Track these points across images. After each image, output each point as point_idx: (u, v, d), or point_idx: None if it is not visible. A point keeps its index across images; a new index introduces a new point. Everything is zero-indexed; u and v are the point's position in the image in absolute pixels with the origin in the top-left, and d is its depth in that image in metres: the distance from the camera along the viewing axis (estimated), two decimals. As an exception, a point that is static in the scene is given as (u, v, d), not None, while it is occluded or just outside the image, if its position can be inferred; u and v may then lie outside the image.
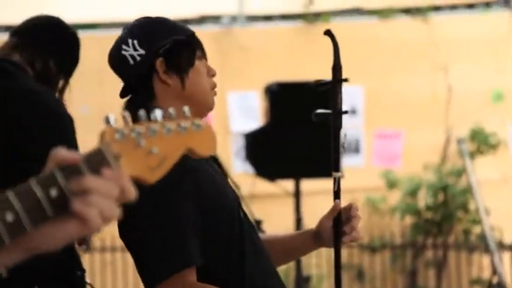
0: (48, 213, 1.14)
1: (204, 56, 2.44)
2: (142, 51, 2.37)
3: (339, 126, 2.46)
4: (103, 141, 1.18)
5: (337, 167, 2.45)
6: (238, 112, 8.02)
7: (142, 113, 1.23)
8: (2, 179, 2.30)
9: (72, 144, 2.73)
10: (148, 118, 1.23)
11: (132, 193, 1.19)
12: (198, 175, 2.26)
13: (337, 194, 2.44)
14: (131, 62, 2.37)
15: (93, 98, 7.74)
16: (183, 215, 2.25)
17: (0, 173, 2.31)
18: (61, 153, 1.19)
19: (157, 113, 1.23)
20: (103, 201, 1.16)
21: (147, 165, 1.20)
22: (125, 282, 7.72)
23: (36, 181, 1.14)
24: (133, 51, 2.37)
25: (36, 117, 2.68)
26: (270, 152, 5.82)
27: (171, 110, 1.24)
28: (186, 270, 2.24)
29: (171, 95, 2.38)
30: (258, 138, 5.98)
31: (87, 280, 2.75)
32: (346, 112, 2.47)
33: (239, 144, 6.66)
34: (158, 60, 2.37)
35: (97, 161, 1.17)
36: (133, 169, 1.19)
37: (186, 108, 1.26)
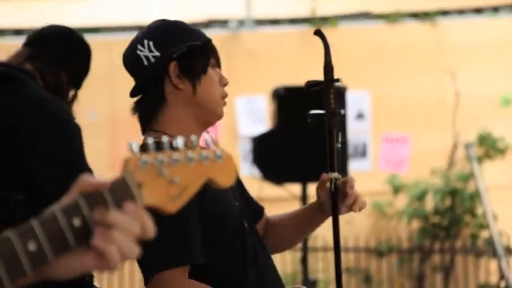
0: (71, 243, 1.13)
1: (218, 64, 2.44)
2: (157, 53, 2.37)
3: (334, 126, 2.45)
4: (126, 169, 1.18)
5: (332, 168, 2.44)
6: (246, 116, 8.03)
7: (165, 139, 1.21)
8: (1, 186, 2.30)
9: (79, 153, 2.73)
10: (171, 146, 1.22)
11: (151, 231, 1.19)
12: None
13: (334, 195, 2.44)
14: (145, 62, 2.37)
15: (101, 104, 7.75)
16: (186, 214, 2.24)
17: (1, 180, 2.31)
18: (86, 179, 1.18)
19: (179, 141, 1.22)
20: (124, 239, 1.16)
21: (168, 195, 1.20)
22: (132, 287, 7.73)
23: (60, 209, 1.13)
24: (148, 52, 2.37)
25: (43, 125, 2.69)
26: (277, 155, 5.81)
27: (193, 138, 1.24)
28: (182, 268, 2.23)
29: (182, 100, 2.37)
30: (265, 142, 5.97)
31: (96, 285, 2.74)
32: (339, 112, 2.47)
33: (246, 148, 6.66)
34: (172, 63, 2.36)
35: (121, 189, 1.16)
36: (154, 198, 1.19)
37: (208, 137, 1.25)
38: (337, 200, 2.43)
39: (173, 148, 1.22)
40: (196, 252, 2.25)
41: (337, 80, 2.47)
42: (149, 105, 2.39)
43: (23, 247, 1.10)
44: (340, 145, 2.47)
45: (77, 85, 2.96)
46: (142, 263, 2.31)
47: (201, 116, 2.38)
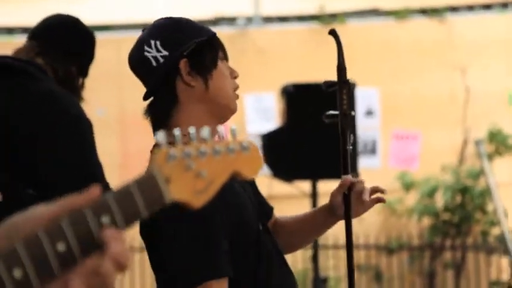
0: (98, 242, 1.10)
1: (225, 57, 2.39)
2: (165, 53, 2.31)
3: (347, 127, 2.43)
4: (154, 164, 1.15)
5: (346, 170, 2.42)
6: (254, 113, 8.01)
7: (192, 131, 1.18)
8: (11, 183, 2.28)
9: (91, 148, 2.72)
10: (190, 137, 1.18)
11: (127, 263, 1.13)
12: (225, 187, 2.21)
13: (347, 198, 2.42)
14: (154, 63, 2.32)
15: (109, 100, 7.75)
16: (213, 225, 2.21)
17: (10, 178, 2.29)
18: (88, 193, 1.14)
19: (205, 132, 1.19)
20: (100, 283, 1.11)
21: (195, 189, 1.17)
22: (143, 282, 7.73)
23: (89, 208, 1.11)
24: (156, 52, 2.32)
25: (53, 121, 2.68)
26: (287, 153, 5.80)
27: (220, 129, 1.21)
28: (214, 281, 2.19)
29: (195, 98, 2.32)
30: (274, 139, 5.96)
31: None
32: (351, 114, 2.45)
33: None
34: (182, 61, 2.31)
35: (149, 186, 1.13)
36: (181, 193, 1.16)
37: (233, 127, 1.22)
38: (350, 200, 2.41)
39: (200, 139, 1.19)
40: (222, 263, 2.20)
41: (348, 81, 2.45)
42: (162, 107, 2.34)
43: (52, 247, 1.07)
44: (351, 147, 2.44)
45: (84, 74, 2.96)
46: (166, 281, 2.26)
47: (215, 112, 2.35)
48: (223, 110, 2.35)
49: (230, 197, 2.23)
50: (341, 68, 2.46)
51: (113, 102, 7.81)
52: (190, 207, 1.17)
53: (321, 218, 2.50)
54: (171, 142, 1.18)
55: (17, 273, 1.05)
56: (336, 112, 2.45)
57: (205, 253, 2.20)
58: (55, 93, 2.74)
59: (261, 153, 1.26)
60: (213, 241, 2.21)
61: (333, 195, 2.44)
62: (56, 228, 1.08)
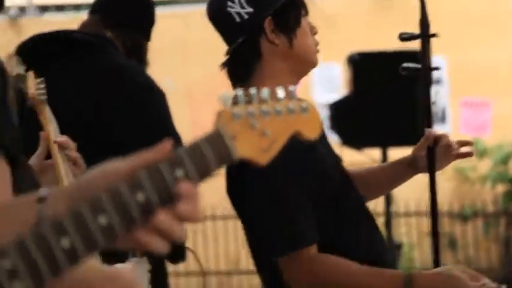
0: (173, 195, 1.14)
1: (306, 13, 2.38)
2: (250, 9, 2.30)
3: (430, 81, 2.44)
4: (220, 122, 1.19)
5: (429, 124, 2.42)
6: (320, 83, 8.00)
7: (253, 91, 1.21)
8: (92, 155, 2.32)
9: (167, 118, 2.76)
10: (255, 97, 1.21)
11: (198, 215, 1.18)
12: (313, 151, 2.23)
13: (432, 150, 2.40)
14: (237, 19, 2.31)
15: (177, 72, 7.82)
16: (304, 191, 2.23)
17: (90, 150, 2.34)
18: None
19: (265, 92, 1.22)
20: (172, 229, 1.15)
21: (260, 147, 1.21)
22: (216, 250, 7.84)
23: (166, 162, 1.15)
24: (239, 8, 2.31)
25: (129, 93, 2.72)
26: (356, 121, 5.80)
27: (279, 90, 1.23)
28: (309, 246, 2.22)
29: (278, 55, 2.32)
30: (342, 108, 5.97)
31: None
32: (436, 68, 2.45)
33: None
34: (267, 19, 2.31)
35: (217, 142, 1.17)
36: (247, 150, 1.20)
37: (292, 88, 1.23)
38: (434, 153, 2.42)
39: (261, 100, 1.22)
40: (309, 232, 2.22)
41: (434, 35, 2.44)
42: (244, 62, 2.34)
43: (133, 197, 1.12)
44: (434, 102, 2.46)
45: (148, 38, 2.99)
46: (261, 242, 2.30)
47: (297, 68, 2.35)
48: (306, 65, 2.36)
49: (314, 154, 2.24)
50: (424, 21, 2.45)
51: (180, 74, 7.87)
52: (256, 164, 1.21)
53: (401, 170, 2.52)
54: (235, 102, 1.20)
55: (102, 219, 1.11)
56: (414, 65, 2.45)
57: (287, 218, 2.21)
58: (126, 67, 2.78)
59: (319, 114, 1.27)
60: (294, 206, 2.22)
61: (417, 148, 2.46)
62: (134, 180, 1.13)
